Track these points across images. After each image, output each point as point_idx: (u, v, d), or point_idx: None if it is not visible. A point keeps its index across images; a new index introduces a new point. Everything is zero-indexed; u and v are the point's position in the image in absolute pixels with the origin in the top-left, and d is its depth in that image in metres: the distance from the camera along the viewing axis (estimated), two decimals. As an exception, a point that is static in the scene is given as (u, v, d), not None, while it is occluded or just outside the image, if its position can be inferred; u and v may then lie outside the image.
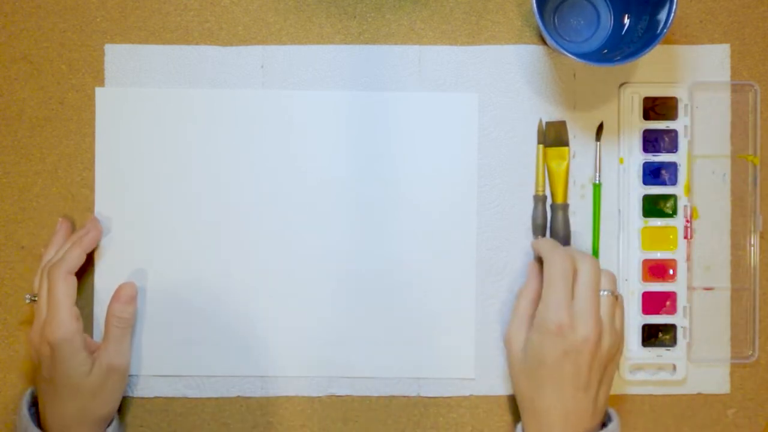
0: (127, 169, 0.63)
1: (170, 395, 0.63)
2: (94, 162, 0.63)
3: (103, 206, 0.63)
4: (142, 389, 0.63)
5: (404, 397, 0.63)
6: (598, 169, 0.63)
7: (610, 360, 0.56)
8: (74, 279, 0.58)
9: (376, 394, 0.63)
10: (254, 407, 0.63)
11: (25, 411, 0.58)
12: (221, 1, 0.63)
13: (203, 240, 0.63)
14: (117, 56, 0.63)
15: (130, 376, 0.62)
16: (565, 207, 0.63)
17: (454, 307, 0.63)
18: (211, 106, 0.63)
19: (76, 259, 0.59)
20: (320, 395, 0.63)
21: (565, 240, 0.62)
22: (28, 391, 0.59)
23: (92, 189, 0.63)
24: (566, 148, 0.63)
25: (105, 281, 0.62)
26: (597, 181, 0.63)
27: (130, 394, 0.63)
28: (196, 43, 0.63)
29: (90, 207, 0.63)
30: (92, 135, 0.63)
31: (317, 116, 0.63)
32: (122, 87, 0.63)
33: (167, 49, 0.63)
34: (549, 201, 0.63)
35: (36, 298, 0.59)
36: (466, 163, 0.63)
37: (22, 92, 0.63)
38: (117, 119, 0.63)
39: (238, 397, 0.63)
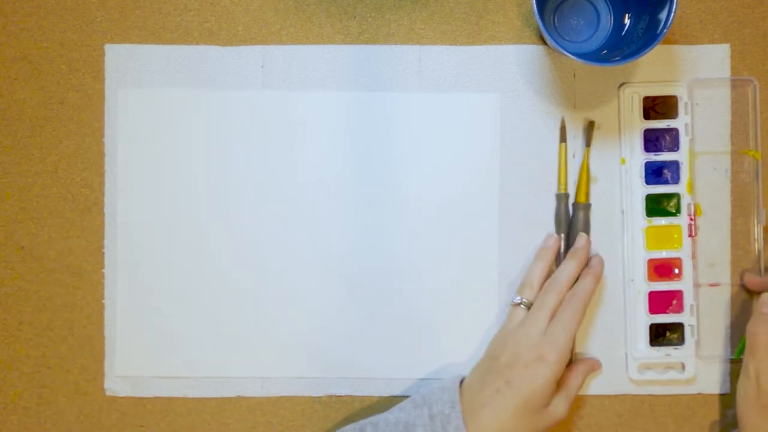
0: (131, 170, 0.63)
1: (170, 395, 0.63)
2: (93, 162, 0.63)
3: (108, 206, 0.63)
4: (142, 389, 0.63)
5: (404, 397, 0.63)
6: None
7: None
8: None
9: (377, 394, 0.63)
10: (254, 407, 0.63)
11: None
12: (221, 1, 0.63)
13: (203, 240, 0.63)
14: (117, 56, 0.63)
15: (130, 376, 0.63)
16: (587, 207, 0.63)
17: (473, 308, 0.63)
18: (211, 107, 0.63)
19: (590, 291, 0.59)
20: (320, 395, 0.63)
21: None
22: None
23: (92, 189, 0.63)
24: (588, 148, 0.63)
25: (110, 279, 0.63)
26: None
27: (131, 394, 0.63)
28: (196, 43, 0.63)
29: (90, 207, 0.63)
30: (92, 135, 0.63)
31: (317, 116, 0.63)
32: (124, 88, 0.63)
33: (167, 49, 0.63)
34: (572, 199, 0.63)
35: (527, 302, 0.59)
36: (487, 162, 0.63)
37: (22, 92, 0.63)
38: (126, 120, 0.63)
39: (238, 397, 0.63)
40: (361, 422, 0.58)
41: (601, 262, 0.61)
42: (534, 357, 0.55)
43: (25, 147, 0.63)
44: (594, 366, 0.61)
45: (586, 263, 0.61)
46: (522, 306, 0.59)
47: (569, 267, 0.60)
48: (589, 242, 0.62)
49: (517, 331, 0.58)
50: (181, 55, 0.63)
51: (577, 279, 0.60)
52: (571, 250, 0.61)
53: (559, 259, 0.63)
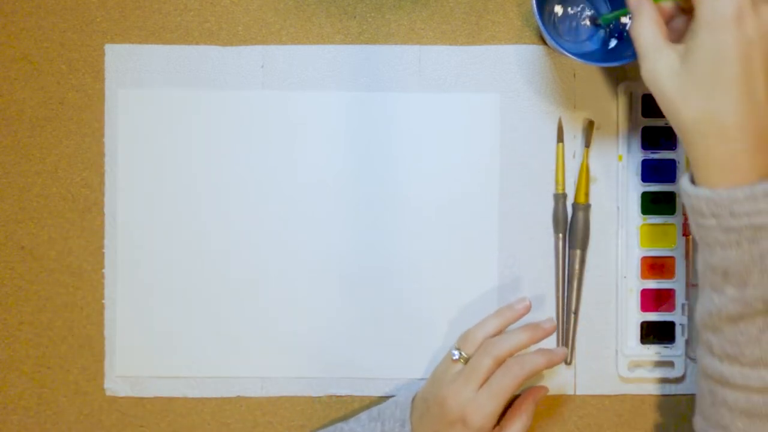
0: (131, 170, 0.63)
1: (170, 395, 0.63)
2: (93, 162, 0.63)
3: (108, 206, 0.63)
4: (142, 389, 0.63)
5: (404, 396, 0.63)
6: None
7: None
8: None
9: (376, 395, 0.63)
10: (254, 407, 0.63)
11: None
12: (221, 1, 0.63)
13: (203, 240, 0.63)
14: (117, 56, 0.63)
15: (130, 376, 0.63)
16: (587, 208, 0.63)
17: (473, 308, 0.63)
18: (211, 107, 0.63)
19: (536, 370, 0.56)
20: (320, 395, 0.63)
21: (583, 242, 0.62)
22: None
23: (92, 189, 0.63)
24: (587, 149, 0.63)
25: (110, 279, 0.63)
26: None
27: (131, 394, 0.63)
28: (196, 43, 0.63)
29: (90, 207, 0.63)
30: (92, 135, 0.63)
31: (317, 116, 0.63)
32: (124, 88, 0.63)
33: (167, 49, 0.63)
34: (570, 200, 0.63)
35: (465, 357, 0.57)
36: (487, 162, 0.63)
37: (22, 92, 0.63)
38: (126, 120, 0.63)
39: (238, 397, 0.63)
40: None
41: (563, 355, 0.58)
42: (458, 417, 0.54)
43: (25, 147, 0.63)
44: (538, 395, 0.60)
45: (540, 337, 0.58)
46: (461, 362, 0.57)
47: (518, 338, 0.57)
48: (554, 327, 0.59)
49: (450, 384, 0.56)
50: (181, 55, 0.63)
51: (519, 350, 0.57)
52: (532, 324, 0.58)
53: (557, 260, 0.63)
